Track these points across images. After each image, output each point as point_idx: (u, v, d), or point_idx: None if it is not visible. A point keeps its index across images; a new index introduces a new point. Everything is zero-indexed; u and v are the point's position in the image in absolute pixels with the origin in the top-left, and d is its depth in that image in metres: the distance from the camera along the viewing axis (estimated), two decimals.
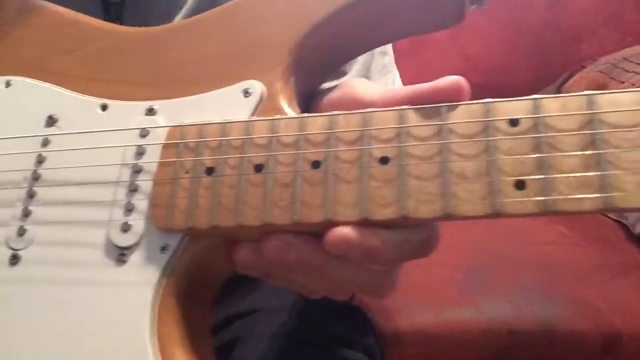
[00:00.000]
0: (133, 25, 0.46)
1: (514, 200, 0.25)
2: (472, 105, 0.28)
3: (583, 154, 0.24)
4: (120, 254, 0.32)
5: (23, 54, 0.39)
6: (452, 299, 0.88)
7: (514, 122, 0.26)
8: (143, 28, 0.40)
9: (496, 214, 0.25)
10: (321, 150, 0.29)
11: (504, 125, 0.26)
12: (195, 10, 0.47)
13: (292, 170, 0.30)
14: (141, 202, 0.33)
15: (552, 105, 0.25)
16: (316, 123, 0.30)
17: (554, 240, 1.06)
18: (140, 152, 0.34)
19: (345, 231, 0.28)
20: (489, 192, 0.26)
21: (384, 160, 0.29)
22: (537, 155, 0.25)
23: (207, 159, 0.31)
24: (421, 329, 0.84)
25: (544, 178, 0.24)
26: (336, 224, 0.28)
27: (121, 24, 0.46)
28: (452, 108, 0.29)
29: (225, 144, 0.31)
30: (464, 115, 0.28)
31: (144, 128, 0.35)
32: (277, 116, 0.32)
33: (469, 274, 0.94)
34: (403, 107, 0.30)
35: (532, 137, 0.25)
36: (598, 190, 0.23)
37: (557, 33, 1.36)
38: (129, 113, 0.36)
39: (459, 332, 0.85)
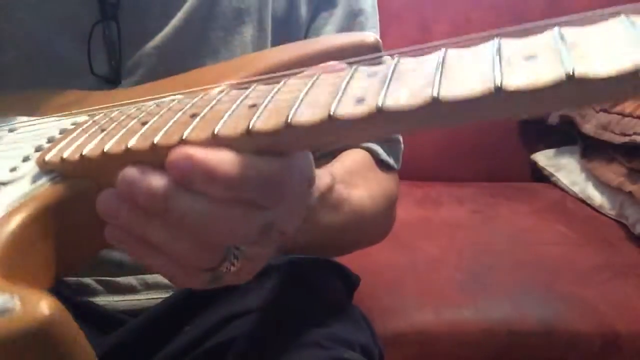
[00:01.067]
0: (129, 25, 0.46)
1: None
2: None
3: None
4: None
5: None
6: (452, 299, 0.88)
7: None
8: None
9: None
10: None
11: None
12: (193, 13, 0.47)
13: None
14: (38, 154, 0.35)
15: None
16: None
17: (554, 240, 1.06)
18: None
19: (187, 149, 0.27)
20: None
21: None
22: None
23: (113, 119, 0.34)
24: (421, 329, 0.84)
25: None
26: (188, 143, 0.28)
27: (117, 25, 0.46)
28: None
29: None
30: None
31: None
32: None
33: (469, 274, 0.94)
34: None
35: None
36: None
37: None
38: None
39: (459, 332, 0.85)
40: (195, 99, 0.32)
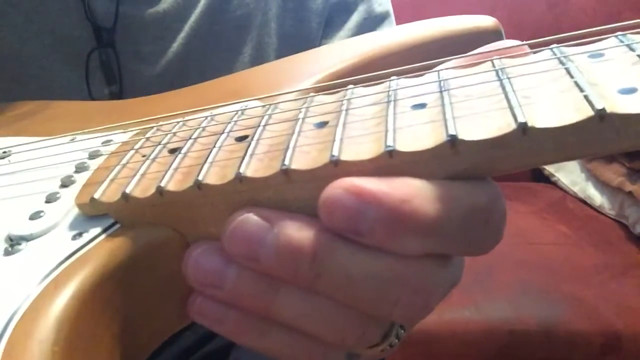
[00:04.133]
0: (126, 50, 0.45)
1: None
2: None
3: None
4: (12, 244, 0.22)
5: None
6: (452, 299, 0.88)
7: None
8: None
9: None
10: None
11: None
12: (192, 37, 0.46)
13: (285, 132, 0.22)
14: (70, 191, 0.24)
15: None
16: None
17: (554, 240, 1.06)
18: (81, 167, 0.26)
19: (351, 180, 0.17)
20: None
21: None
22: None
23: (172, 142, 0.24)
24: (421, 329, 0.84)
25: None
26: (345, 166, 0.18)
27: (113, 49, 0.44)
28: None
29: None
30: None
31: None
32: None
33: (469, 274, 0.94)
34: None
35: None
36: None
37: (556, 33, 1.35)
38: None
39: (460, 332, 0.85)
40: (306, 104, 0.23)
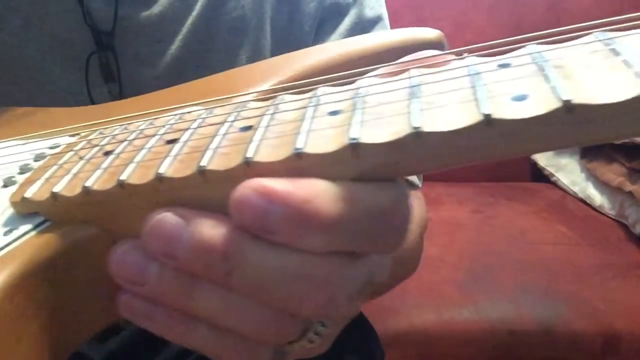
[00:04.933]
0: (126, 53, 0.45)
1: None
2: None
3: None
4: None
5: None
6: (452, 299, 0.88)
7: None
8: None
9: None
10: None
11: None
12: (190, 39, 0.46)
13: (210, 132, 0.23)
14: (9, 190, 0.25)
15: None
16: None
17: (554, 240, 1.06)
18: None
19: (260, 180, 0.18)
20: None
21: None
22: None
23: (109, 144, 0.25)
24: (421, 329, 0.84)
25: None
26: (257, 167, 0.19)
27: (113, 53, 0.45)
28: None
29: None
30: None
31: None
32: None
33: (469, 274, 0.94)
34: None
35: None
36: None
37: (556, 33, 1.35)
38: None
39: (459, 332, 0.85)
40: (238, 109, 0.24)
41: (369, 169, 0.19)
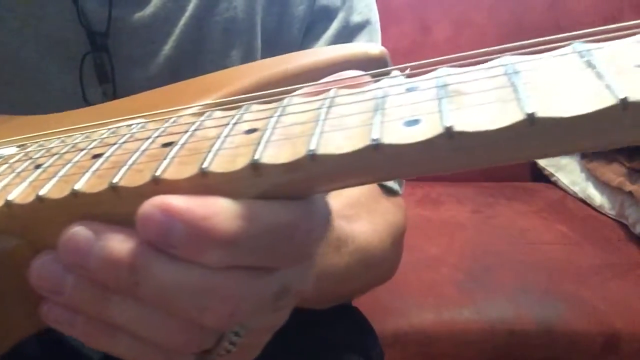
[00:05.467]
0: (119, 54, 0.45)
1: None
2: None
3: None
4: None
5: None
6: (452, 299, 0.88)
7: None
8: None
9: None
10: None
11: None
12: (183, 40, 0.46)
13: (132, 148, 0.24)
14: None
15: None
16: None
17: (554, 240, 1.06)
18: None
19: (163, 198, 0.19)
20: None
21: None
22: None
23: (42, 157, 0.26)
24: (421, 329, 0.84)
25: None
26: (165, 184, 0.20)
27: (107, 54, 0.45)
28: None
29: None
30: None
31: None
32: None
33: (469, 274, 0.94)
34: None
35: None
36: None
37: (557, 33, 1.35)
38: None
39: (459, 332, 0.85)
40: (167, 124, 0.25)
41: (270, 187, 0.20)
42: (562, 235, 1.08)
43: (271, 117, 0.22)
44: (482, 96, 0.19)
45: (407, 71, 0.23)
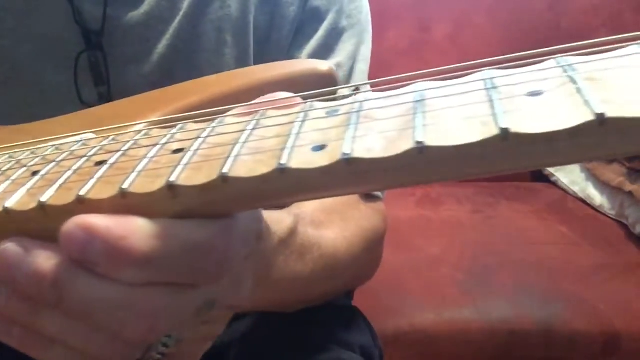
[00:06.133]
0: (114, 52, 0.45)
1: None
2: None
3: None
4: None
5: None
6: (452, 299, 0.88)
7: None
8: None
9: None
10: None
11: None
12: (177, 39, 0.46)
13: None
14: None
15: None
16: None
17: (554, 240, 1.06)
18: None
19: (84, 217, 0.20)
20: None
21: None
22: None
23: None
24: (421, 329, 0.84)
25: None
26: (89, 204, 0.21)
27: (102, 53, 0.45)
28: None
29: None
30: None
31: None
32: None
33: (469, 274, 0.94)
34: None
35: None
36: None
37: (557, 33, 1.36)
38: None
39: (459, 332, 0.85)
40: (105, 142, 0.25)
41: (187, 208, 0.21)
42: (562, 235, 1.08)
43: (199, 137, 0.23)
44: (385, 124, 0.20)
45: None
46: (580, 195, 1.26)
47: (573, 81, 0.18)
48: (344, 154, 0.19)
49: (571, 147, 0.17)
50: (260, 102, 0.26)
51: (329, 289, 0.45)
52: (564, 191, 1.31)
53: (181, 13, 0.47)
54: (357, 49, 0.52)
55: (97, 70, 0.46)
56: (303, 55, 0.50)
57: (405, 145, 0.18)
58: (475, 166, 0.18)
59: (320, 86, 0.26)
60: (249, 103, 0.26)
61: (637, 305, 0.87)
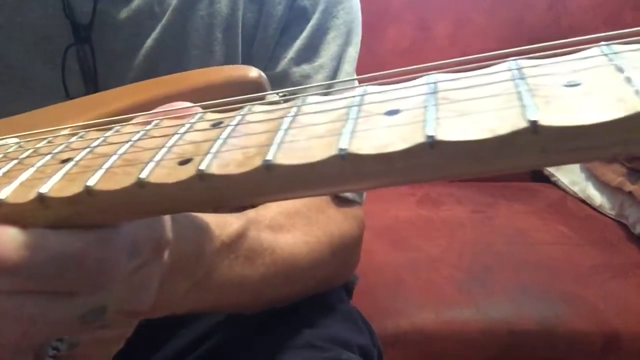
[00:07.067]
0: (103, 47, 0.45)
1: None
2: None
3: None
4: None
5: None
6: (452, 299, 0.88)
7: None
8: None
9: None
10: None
11: None
12: (165, 35, 0.46)
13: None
14: None
15: None
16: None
17: (554, 240, 1.06)
18: None
19: None
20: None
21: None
22: None
23: None
24: (421, 329, 0.84)
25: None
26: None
27: (90, 46, 0.45)
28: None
29: None
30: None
31: None
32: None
33: (469, 274, 0.94)
34: None
35: None
36: None
37: (557, 33, 1.35)
38: None
39: (459, 332, 0.85)
40: (12, 148, 0.26)
41: (60, 218, 0.21)
42: (562, 235, 1.08)
43: (88, 147, 0.23)
44: (238, 140, 0.20)
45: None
46: (580, 195, 1.26)
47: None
48: (199, 170, 0.19)
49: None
50: (158, 112, 0.26)
51: (288, 292, 0.45)
52: (564, 191, 1.31)
53: (170, 8, 0.47)
54: (343, 50, 0.51)
55: (86, 65, 0.46)
56: (288, 55, 0.49)
57: (255, 162, 0.18)
58: (318, 187, 0.19)
59: (250, 92, 0.27)
60: (149, 112, 0.26)
61: (637, 305, 0.87)
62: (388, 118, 0.18)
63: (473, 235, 1.07)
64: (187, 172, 0.19)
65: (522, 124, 0.15)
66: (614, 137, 0.15)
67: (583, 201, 1.25)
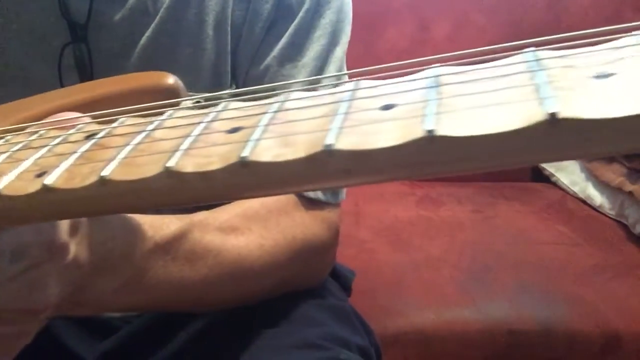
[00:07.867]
0: (99, 46, 0.46)
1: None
2: None
3: None
4: None
5: None
6: (452, 299, 0.88)
7: None
8: None
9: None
10: None
11: None
12: (159, 33, 0.47)
13: None
14: None
15: None
16: None
17: (554, 240, 1.06)
18: None
19: None
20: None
21: None
22: None
23: None
24: (421, 329, 0.84)
25: None
26: None
27: (86, 45, 0.45)
28: None
29: None
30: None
31: None
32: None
33: (469, 274, 0.94)
34: None
35: None
36: None
37: (557, 33, 1.35)
38: None
39: (459, 332, 0.85)
40: None
41: None
42: (562, 235, 1.08)
43: (6, 152, 0.24)
44: (92, 154, 0.21)
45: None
46: (580, 195, 1.26)
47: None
48: (44, 185, 0.19)
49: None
50: (46, 122, 0.27)
51: (239, 294, 0.45)
52: (564, 191, 1.31)
53: (164, 6, 0.47)
54: (328, 50, 0.51)
55: (82, 64, 0.46)
56: (272, 53, 0.49)
57: (91, 178, 0.19)
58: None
59: (167, 98, 0.27)
60: (37, 122, 0.27)
61: (637, 305, 0.87)
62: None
63: (473, 235, 1.07)
64: (36, 185, 0.20)
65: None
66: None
67: (583, 201, 1.25)
